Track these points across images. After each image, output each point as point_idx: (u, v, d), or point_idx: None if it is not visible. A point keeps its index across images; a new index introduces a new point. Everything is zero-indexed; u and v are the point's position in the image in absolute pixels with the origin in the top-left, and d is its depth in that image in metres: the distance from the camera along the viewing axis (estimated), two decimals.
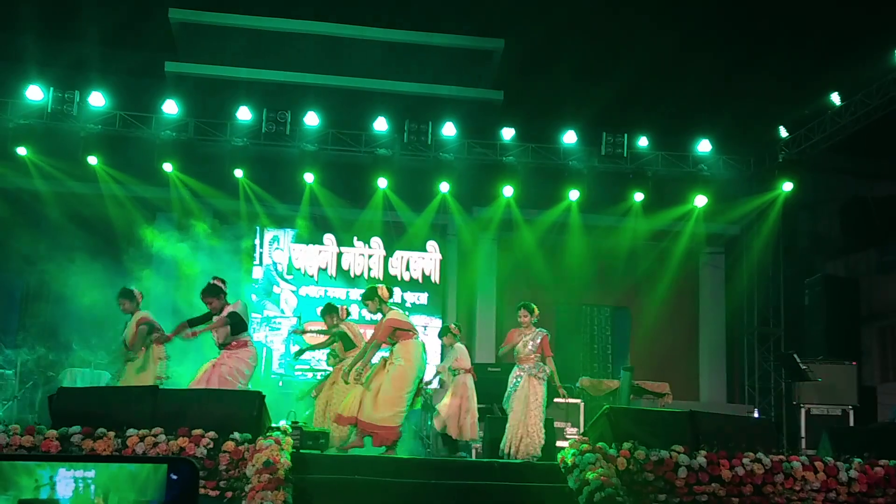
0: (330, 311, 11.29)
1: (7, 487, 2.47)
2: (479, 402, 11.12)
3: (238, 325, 9.60)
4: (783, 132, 16.11)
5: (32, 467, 2.52)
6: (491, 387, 11.34)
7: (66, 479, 2.51)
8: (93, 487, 2.52)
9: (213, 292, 9.74)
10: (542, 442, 9.82)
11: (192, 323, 9.82)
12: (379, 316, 9.89)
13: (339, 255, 17.10)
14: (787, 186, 16.29)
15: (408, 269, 17.22)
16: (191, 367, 12.44)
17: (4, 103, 15.17)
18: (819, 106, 15.36)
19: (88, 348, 12.98)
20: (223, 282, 9.99)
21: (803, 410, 13.81)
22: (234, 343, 9.55)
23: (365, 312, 10.38)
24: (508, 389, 10.12)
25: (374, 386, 9.47)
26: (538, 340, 10.11)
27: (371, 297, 9.82)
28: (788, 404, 15.38)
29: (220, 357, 9.48)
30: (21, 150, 15.33)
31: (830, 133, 15.22)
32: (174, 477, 2.55)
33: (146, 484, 2.53)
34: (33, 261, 14.57)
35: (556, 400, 12.77)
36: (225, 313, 9.59)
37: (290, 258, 17.01)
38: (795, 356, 13.83)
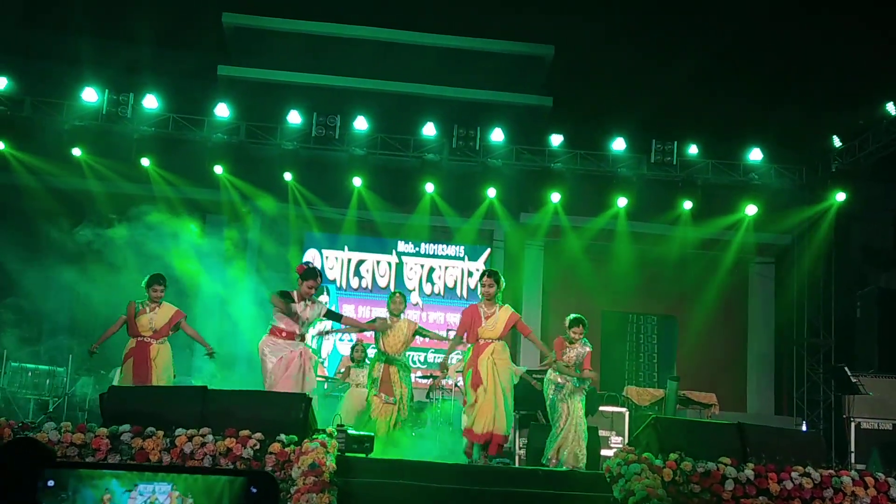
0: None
1: (76, 501, 2.48)
2: (522, 409, 11.06)
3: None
4: (837, 141, 15.88)
5: (101, 479, 2.53)
6: (535, 393, 11.27)
7: (142, 491, 2.53)
8: (168, 499, 2.53)
9: (315, 274, 9.63)
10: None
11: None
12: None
13: (389, 260, 17.19)
14: (840, 197, 16.08)
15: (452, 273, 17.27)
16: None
17: (60, 105, 15.45)
18: (874, 115, 15.12)
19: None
20: None
21: (853, 424, 13.59)
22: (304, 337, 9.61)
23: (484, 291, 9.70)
24: (552, 397, 10.05)
25: (497, 397, 9.45)
26: (584, 353, 10.11)
27: (499, 280, 9.74)
28: (837, 417, 15.15)
29: (296, 354, 9.44)
30: (76, 152, 15.63)
31: (886, 143, 14.97)
32: (254, 490, 2.54)
33: (222, 496, 2.53)
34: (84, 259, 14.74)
35: (601, 408, 12.74)
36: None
37: (336, 261, 17.10)
38: (846, 369, 13.62)
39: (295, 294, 9.40)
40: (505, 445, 9.72)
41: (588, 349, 10.16)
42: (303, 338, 9.45)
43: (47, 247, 14.54)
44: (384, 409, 10.37)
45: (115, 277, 13.25)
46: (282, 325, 9.32)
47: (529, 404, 11.39)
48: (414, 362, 14.92)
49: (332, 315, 10.09)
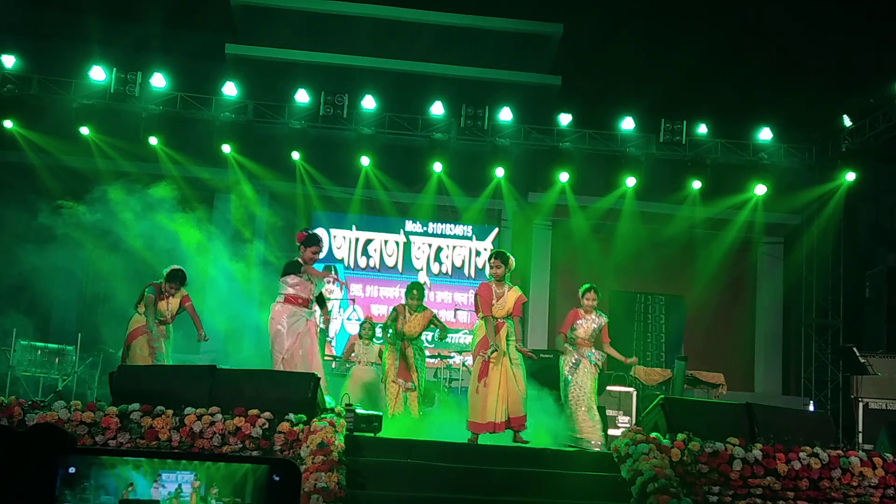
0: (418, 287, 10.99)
1: (97, 488, 2.47)
2: (531, 389, 11.06)
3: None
4: (847, 121, 15.78)
5: (122, 466, 2.51)
6: (544, 372, 11.30)
7: (165, 480, 2.50)
8: (190, 488, 2.51)
9: (317, 239, 9.68)
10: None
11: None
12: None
13: (397, 239, 17.18)
14: (850, 177, 15.99)
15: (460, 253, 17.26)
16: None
17: (68, 83, 15.44)
18: (884, 95, 15.03)
19: None
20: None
21: (861, 404, 13.58)
22: (314, 307, 9.53)
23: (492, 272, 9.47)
24: (566, 376, 10.01)
25: (517, 381, 9.23)
26: (602, 324, 10.09)
27: (506, 261, 9.48)
28: (845, 398, 15.15)
29: (312, 323, 9.42)
30: (84, 130, 15.62)
31: None
32: (276, 478, 2.50)
33: (245, 485, 2.50)
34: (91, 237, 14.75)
35: (609, 388, 12.75)
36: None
37: (343, 241, 17.10)
38: (855, 349, 13.60)
39: (300, 262, 9.47)
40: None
41: (604, 320, 10.16)
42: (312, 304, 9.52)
43: (53, 225, 14.56)
44: (401, 395, 10.38)
45: (122, 256, 13.28)
46: (294, 292, 9.33)
47: (539, 384, 11.38)
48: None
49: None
